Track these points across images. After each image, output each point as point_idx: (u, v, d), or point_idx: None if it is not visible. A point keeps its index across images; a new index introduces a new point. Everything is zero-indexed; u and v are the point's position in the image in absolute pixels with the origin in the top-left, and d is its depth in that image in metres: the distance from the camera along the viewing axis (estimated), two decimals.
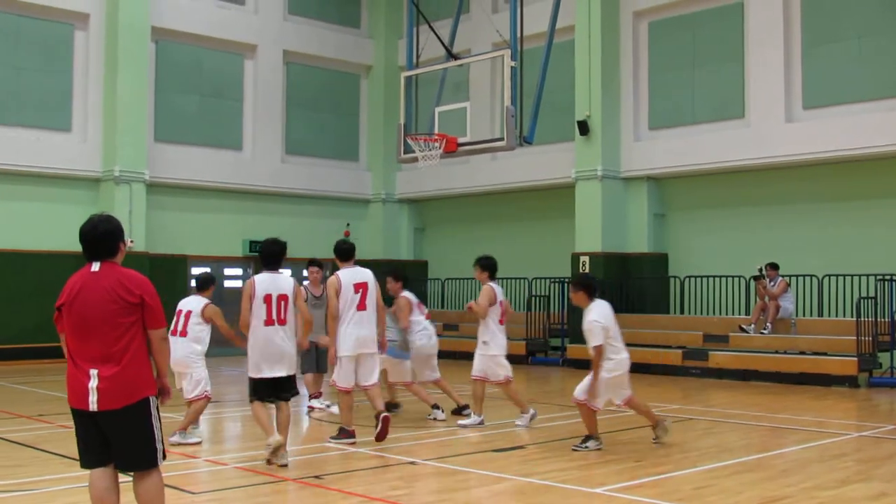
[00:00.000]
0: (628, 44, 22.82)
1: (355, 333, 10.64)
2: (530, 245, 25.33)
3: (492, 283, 12.33)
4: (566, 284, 22.74)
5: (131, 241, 22.62)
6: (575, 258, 22.55)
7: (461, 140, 19.24)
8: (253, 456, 10.13)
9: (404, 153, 20.36)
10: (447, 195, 27.30)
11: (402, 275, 13.82)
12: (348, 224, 27.95)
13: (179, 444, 10.33)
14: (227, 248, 25.30)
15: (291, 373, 9.67)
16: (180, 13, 24.58)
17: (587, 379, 10.48)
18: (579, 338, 21.52)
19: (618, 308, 21.54)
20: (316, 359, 13.53)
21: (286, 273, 10.25)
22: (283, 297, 9.65)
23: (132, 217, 22.74)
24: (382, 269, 26.79)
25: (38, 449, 10.48)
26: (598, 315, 10.57)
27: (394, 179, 28.39)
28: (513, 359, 21.80)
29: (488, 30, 22.71)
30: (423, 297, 27.60)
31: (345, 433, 10.77)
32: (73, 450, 10.07)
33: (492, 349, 12.26)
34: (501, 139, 18.93)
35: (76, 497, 7.97)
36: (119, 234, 6.01)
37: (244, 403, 12.31)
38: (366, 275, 10.95)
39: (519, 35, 18.63)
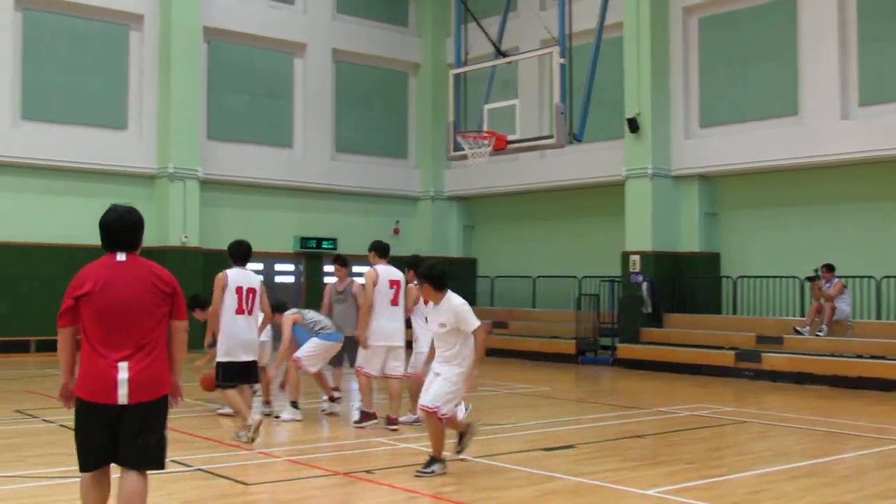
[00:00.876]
0: (678, 40, 22.62)
1: (389, 326, 11.38)
2: (579, 244, 25.22)
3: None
4: (616, 284, 22.64)
5: (185, 237, 22.93)
6: (625, 257, 22.41)
7: (510, 137, 19.23)
8: (304, 449, 10.20)
9: (454, 151, 20.39)
10: (496, 193, 27.25)
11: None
12: (397, 221, 28.03)
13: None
14: (278, 244, 25.47)
15: (255, 359, 10.76)
16: (231, 13, 24.81)
17: (453, 378, 8.82)
18: (630, 337, 21.52)
19: (668, 307, 21.67)
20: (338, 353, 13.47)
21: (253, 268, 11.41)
22: (251, 290, 10.71)
23: (186, 213, 23.10)
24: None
25: None
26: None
27: (442, 177, 28.41)
28: (562, 357, 21.98)
29: (536, 27, 22.65)
30: (471, 295, 27.75)
31: (367, 416, 11.47)
32: None
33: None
34: (551, 136, 18.89)
35: None
36: (143, 226, 6.02)
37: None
38: (399, 274, 11.72)
39: (567, 32, 18.58)
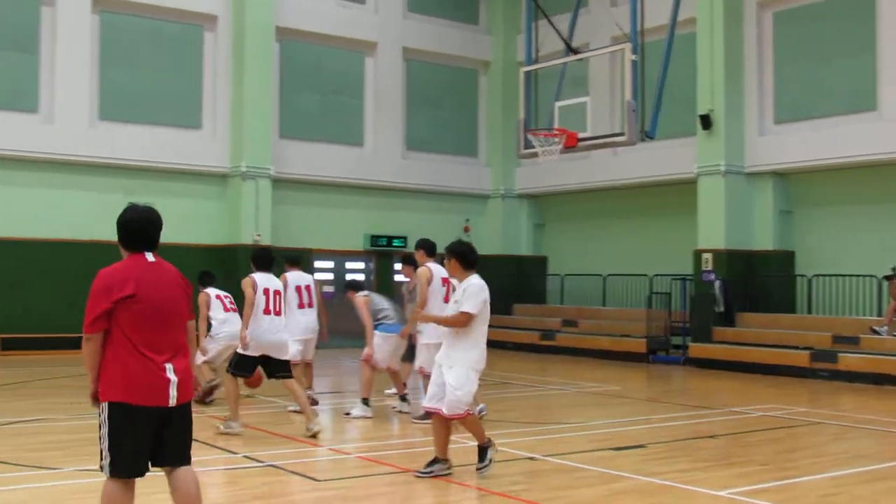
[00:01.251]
0: (752, 35, 22.30)
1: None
2: (651, 242, 25.01)
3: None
4: (688, 282, 22.42)
5: (258, 235, 23.20)
6: (697, 255, 22.18)
7: (581, 135, 19.15)
8: (374, 446, 10.27)
9: (524, 148, 20.36)
10: (567, 191, 27.13)
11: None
12: (468, 220, 28.05)
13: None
14: (349, 242, 25.65)
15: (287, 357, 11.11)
16: (303, 13, 25.03)
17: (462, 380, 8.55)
18: (702, 336, 21.30)
19: (741, 306, 21.41)
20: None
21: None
22: (277, 292, 11.16)
23: (258, 212, 23.37)
24: (499, 265, 26.85)
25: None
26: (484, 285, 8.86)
27: (513, 175, 28.36)
28: (633, 356, 21.84)
29: (607, 23, 22.49)
30: (541, 293, 27.70)
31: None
32: (206, 434, 10.38)
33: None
34: (622, 134, 18.78)
35: (209, 479, 8.17)
36: (161, 224, 5.90)
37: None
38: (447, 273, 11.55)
39: (639, 28, 18.45)
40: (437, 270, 11.69)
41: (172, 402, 5.56)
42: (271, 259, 11.56)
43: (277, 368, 10.87)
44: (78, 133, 21.92)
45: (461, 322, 8.53)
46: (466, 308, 8.52)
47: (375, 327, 12.38)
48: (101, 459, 5.57)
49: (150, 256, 5.70)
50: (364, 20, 26.22)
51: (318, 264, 25.02)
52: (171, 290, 5.68)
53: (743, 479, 8.68)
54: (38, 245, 21.50)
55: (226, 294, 13.79)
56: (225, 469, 8.79)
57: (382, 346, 12.41)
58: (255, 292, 10.94)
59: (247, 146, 23.44)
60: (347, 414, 12.35)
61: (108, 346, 5.52)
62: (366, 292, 12.84)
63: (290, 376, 10.99)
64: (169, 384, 5.53)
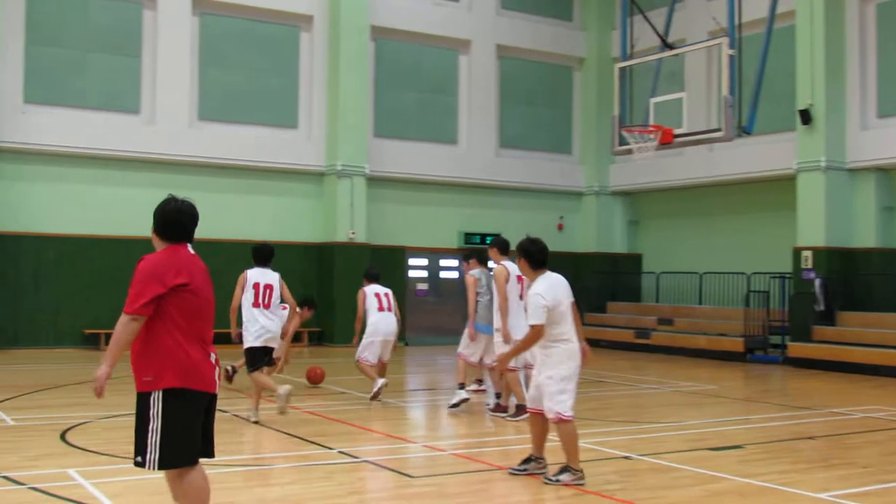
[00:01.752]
0: (854, 27, 21.81)
1: (515, 323, 11.62)
2: (748, 239, 24.64)
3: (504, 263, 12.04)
4: (786, 280, 22.04)
5: (353, 233, 23.45)
6: (796, 253, 21.79)
7: (677, 131, 18.97)
8: (469, 443, 10.31)
9: (619, 145, 20.22)
10: (662, 187, 26.87)
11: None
12: (561, 217, 27.97)
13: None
14: (442, 240, 25.76)
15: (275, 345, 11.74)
16: (398, 12, 25.20)
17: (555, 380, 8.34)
18: (802, 335, 20.91)
19: (842, 305, 20.96)
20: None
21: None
22: (268, 287, 11.57)
23: (353, 209, 23.61)
24: (594, 263, 26.74)
25: (269, 427, 10.99)
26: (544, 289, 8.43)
27: (607, 172, 28.18)
28: (729, 355, 21.56)
29: (704, 18, 22.21)
30: (636, 291, 27.48)
31: (524, 409, 11.26)
32: (301, 430, 10.54)
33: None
34: (719, 130, 18.55)
35: (306, 474, 8.32)
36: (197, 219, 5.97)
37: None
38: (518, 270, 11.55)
39: (737, 22, 18.19)
40: (513, 268, 11.82)
41: (217, 389, 5.79)
42: (269, 255, 11.93)
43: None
44: (178, 133, 22.42)
45: (534, 337, 8.33)
46: (531, 321, 8.30)
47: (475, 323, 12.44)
48: (148, 454, 5.63)
49: (191, 249, 5.83)
50: (458, 18, 26.30)
51: (411, 262, 25.18)
52: (209, 283, 5.85)
53: (843, 482, 8.51)
54: (139, 243, 21.95)
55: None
56: (321, 464, 8.91)
57: (469, 342, 12.61)
58: (244, 288, 11.49)
59: (342, 145, 23.70)
60: (453, 406, 12.42)
61: (159, 334, 5.57)
62: (478, 272, 12.72)
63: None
64: (215, 371, 5.75)
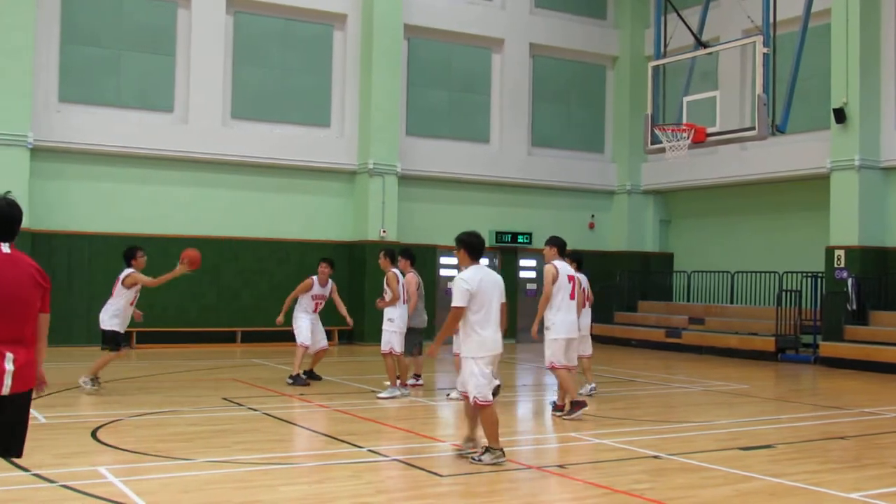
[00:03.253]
0: (890, 26, 21.63)
1: (568, 319, 11.90)
2: (781, 238, 24.51)
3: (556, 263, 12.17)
4: (819, 279, 21.90)
5: (384, 231, 23.49)
6: (829, 252, 21.65)
7: (710, 130, 18.89)
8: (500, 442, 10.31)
9: (651, 144, 20.16)
10: (694, 186, 26.76)
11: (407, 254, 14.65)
12: (593, 216, 27.92)
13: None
14: None
15: None
16: (431, 11, 25.23)
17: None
18: (834, 335, 20.76)
19: (875, 305, 20.78)
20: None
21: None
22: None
23: (385, 208, 23.66)
24: (625, 262, 26.64)
25: (298, 426, 11.06)
26: (469, 276, 9.06)
27: (639, 171, 28.09)
28: (761, 355, 21.44)
29: (739, 16, 22.08)
30: (668, 290, 27.36)
31: (577, 405, 11.71)
32: (331, 428, 10.61)
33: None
34: (752, 128, 18.45)
35: (334, 472, 8.37)
36: (21, 219, 5.94)
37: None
38: (572, 269, 12.30)
39: (772, 21, 18.09)
40: (563, 268, 12.02)
41: (6, 390, 5.63)
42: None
43: None
44: (211, 132, 22.55)
45: (455, 318, 8.96)
46: (454, 303, 8.94)
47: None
48: None
49: (5, 248, 5.79)
50: (491, 17, 26.30)
51: (443, 260, 25.19)
52: (17, 280, 5.73)
53: (875, 482, 8.47)
54: (173, 241, 22.15)
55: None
56: (349, 463, 8.96)
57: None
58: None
59: (374, 143, 23.75)
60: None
61: None
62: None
63: None
64: (4, 373, 5.62)
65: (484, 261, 9.52)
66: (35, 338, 5.89)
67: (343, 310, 15.65)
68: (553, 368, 11.89)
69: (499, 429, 8.99)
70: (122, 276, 13.96)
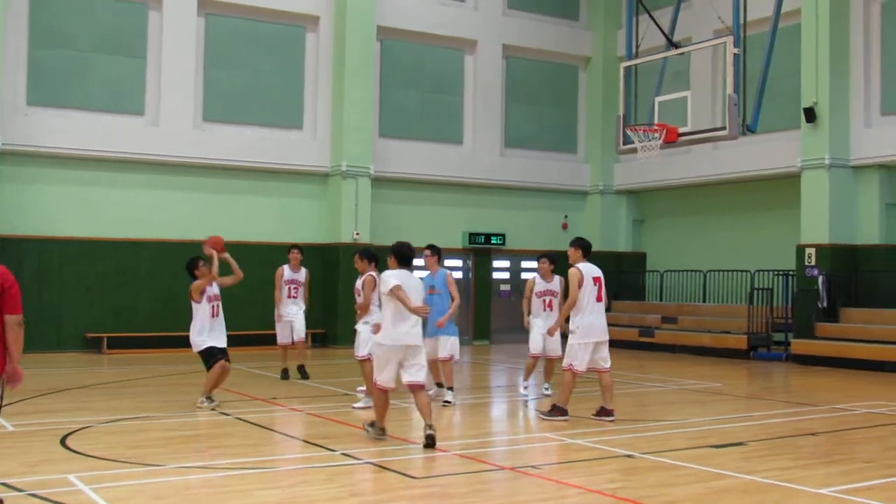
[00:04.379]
0: (858, 27, 21.82)
1: (596, 322, 11.72)
2: (752, 237, 24.67)
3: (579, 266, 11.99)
4: (790, 277, 22.05)
5: (357, 234, 23.46)
6: (800, 250, 21.80)
7: (682, 130, 18.98)
8: (472, 444, 10.33)
9: (623, 144, 20.25)
10: (666, 186, 26.89)
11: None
12: (566, 216, 27.99)
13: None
14: (447, 239, 25.69)
15: None
16: (403, 12, 25.23)
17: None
18: (805, 332, 20.90)
19: (845, 302, 20.94)
20: None
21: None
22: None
23: (358, 210, 23.64)
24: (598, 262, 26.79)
25: (271, 430, 11.02)
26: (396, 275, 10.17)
27: (612, 171, 28.18)
28: (733, 353, 21.56)
29: (710, 17, 22.19)
30: (640, 290, 27.46)
31: (558, 410, 11.72)
32: (304, 432, 10.59)
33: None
34: (724, 128, 18.55)
35: (308, 476, 8.35)
36: None
37: (461, 392, 12.57)
38: (598, 270, 11.94)
39: (742, 21, 18.20)
40: (588, 270, 11.78)
41: None
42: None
43: None
44: (182, 135, 22.45)
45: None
46: (390, 287, 9.95)
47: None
48: None
49: None
50: (464, 18, 26.32)
51: (417, 262, 25.11)
52: None
53: (845, 477, 8.54)
54: (143, 245, 22.09)
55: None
56: (323, 466, 8.94)
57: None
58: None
59: (347, 145, 23.72)
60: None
61: None
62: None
63: None
64: None
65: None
66: None
67: (304, 300, 16.71)
68: (570, 371, 11.72)
69: (385, 413, 10.14)
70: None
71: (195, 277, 12.81)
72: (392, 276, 9.99)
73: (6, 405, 6.16)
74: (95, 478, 8.23)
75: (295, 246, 16.82)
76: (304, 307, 16.67)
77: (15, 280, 6.63)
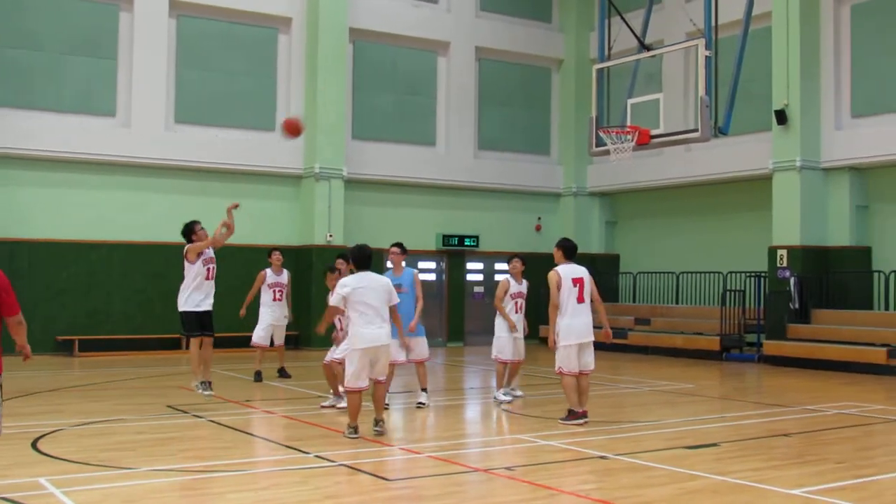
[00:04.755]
0: (829, 29, 21.97)
1: (576, 323, 11.77)
2: (724, 239, 24.79)
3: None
4: (762, 279, 22.17)
5: (331, 236, 23.41)
6: (772, 252, 21.93)
7: (654, 132, 19.05)
8: (445, 445, 10.32)
9: (596, 146, 20.30)
10: (639, 188, 26.99)
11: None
12: (539, 218, 28.03)
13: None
14: (421, 241, 25.74)
15: None
16: (376, 14, 25.20)
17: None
18: (777, 333, 21.02)
19: (817, 303, 21.07)
20: None
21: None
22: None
23: (331, 212, 23.60)
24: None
25: (244, 432, 10.98)
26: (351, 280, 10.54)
27: (585, 173, 28.26)
28: (706, 354, 21.65)
29: (681, 19, 22.31)
30: (614, 291, 27.54)
31: (573, 414, 11.68)
32: (277, 434, 10.55)
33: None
34: (696, 130, 18.64)
35: (281, 479, 8.31)
36: None
37: (435, 394, 12.57)
38: (582, 270, 11.99)
39: (714, 24, 18.29)
40: (567, 271, 11.86)
41: None
42: None
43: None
44: (154, 136, 22.32)
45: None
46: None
47: None
48: None
49: None
50: (437, 20, 26.32)
51: (389, 264, 25.09)
52: None
53: (818, 478, 8.58)
54: (115, 247, 21.95)
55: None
56: (296, 469, 8.91)
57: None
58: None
59: (320, 148, 23.67)
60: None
61: None
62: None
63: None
64: None
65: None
66: None
67: (288, 307, 16.90)
68: (561, 374, 11.78)
69: (357, 413, 10.43)
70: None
71: (190, 241, 13.88)
72: (342, 287, 10.34)
73: None
74: (67, 481, 8.16)
75: (276, 248, 16.94)
76: (287, 311, 16.89)
77: (8, 283, 7.19)
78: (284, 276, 16.80)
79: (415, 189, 25.89)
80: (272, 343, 16.79)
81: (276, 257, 16.78)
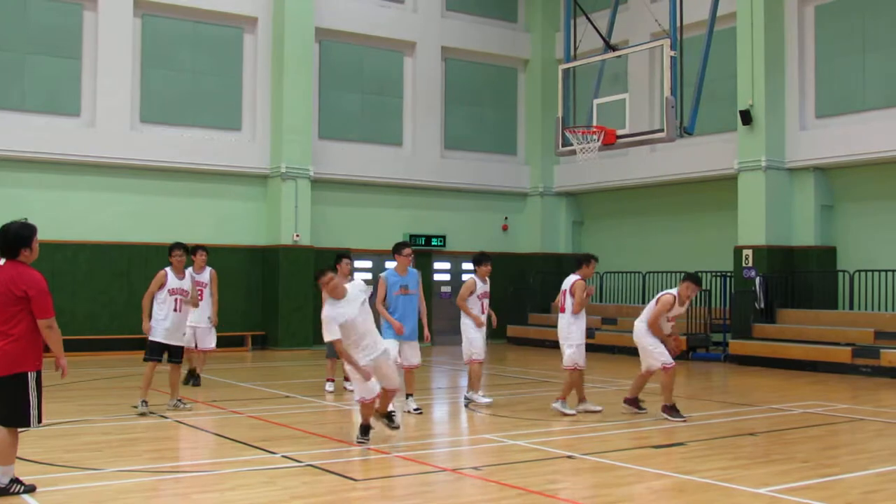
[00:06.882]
0: (793, 30, 22.16)
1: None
2: (690, 238, 24.93)
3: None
4: (728, 279, 22.31)
5: (297, 236, 23.32)
6: (737, 252, 22.07)
7: (620, 132, 19.10)
8: (413, 445, 10.31)
9: (562, 146, 20.32)
10: (606, 188, 27.08)
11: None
12: (506, 218, 28.07)
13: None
14: (388, 241, 25.41)
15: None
16: (342, 14, 25.15)
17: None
18: (742, 333, 21.16)
19: (782, 303, 21.22)
20: None
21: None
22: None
23: (298, 212, 23.51)
24: (538, 263, 26.85)
25: (211, 433, 10.92)
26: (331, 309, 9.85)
27: (552, 173, 28.33)
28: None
29: (647, 20, 22.38)
30: None
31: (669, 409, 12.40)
32: (244, 434, 10.50)
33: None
34: (661, 130, 18.71)
35: (247, 479, 8.27)
36: (25, 241, 8.01)
37: (402, 394, 12.55)
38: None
39: (679, 24, 18.37)
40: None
41: None
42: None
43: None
44: (119, 136, 22.15)
45: (341, 353, 9.90)
46: (327, 338, 9.82)
47: None
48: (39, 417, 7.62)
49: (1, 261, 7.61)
50: (403, 20, 26.30)
51: (357, 264, 25.06)
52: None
53: (783, 477, 8.64)
54: (80, 247, 21.77)
55: None
56: (263, 469, 8.87)
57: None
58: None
59: (286, 147, 23.59)
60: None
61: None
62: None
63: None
64: None
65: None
66: (18, 334, 7.56)
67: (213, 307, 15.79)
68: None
69: (370, 415, 10.19)
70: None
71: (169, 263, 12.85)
72: (331, 321, 9.68)
73: None
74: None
75: (200, 246, 15.70)
76: (209, 312, 15.57)
77: (44, 288, 7.69)
78: (206, 275, 15.42)
79: (381, 189, 25.86)
80: (196, 345, 15.58)
81: (200, 256, 15.45)
